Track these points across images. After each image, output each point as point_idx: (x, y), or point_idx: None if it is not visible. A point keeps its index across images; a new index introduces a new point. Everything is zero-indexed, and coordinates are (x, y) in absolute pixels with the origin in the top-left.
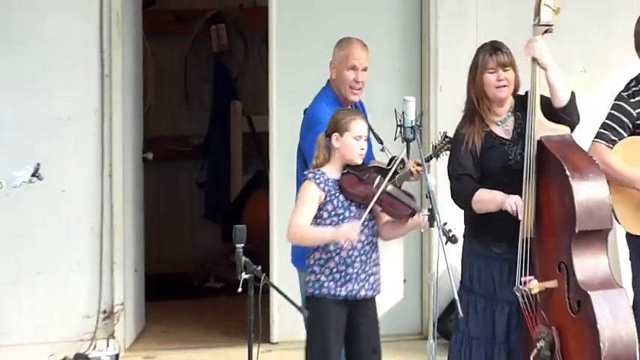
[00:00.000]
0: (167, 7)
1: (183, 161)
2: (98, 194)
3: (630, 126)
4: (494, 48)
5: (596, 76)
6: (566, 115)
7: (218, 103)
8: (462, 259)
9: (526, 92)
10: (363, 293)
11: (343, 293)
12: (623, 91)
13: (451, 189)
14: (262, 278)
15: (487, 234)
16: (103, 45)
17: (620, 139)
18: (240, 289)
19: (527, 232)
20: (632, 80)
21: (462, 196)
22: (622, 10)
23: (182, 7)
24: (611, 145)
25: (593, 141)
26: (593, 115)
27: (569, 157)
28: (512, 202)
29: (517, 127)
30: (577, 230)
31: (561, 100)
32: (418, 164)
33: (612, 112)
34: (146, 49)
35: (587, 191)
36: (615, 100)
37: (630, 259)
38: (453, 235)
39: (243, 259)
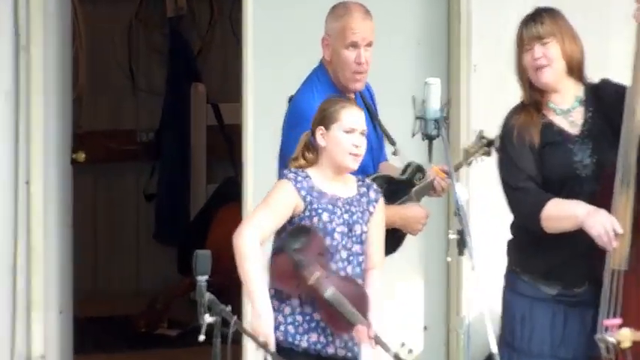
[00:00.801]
0: None
1: (128, 164)
2: (10, 208)
3: None
4: (529, 17)
5: None
6: None
7: (174, 87)
8: (503, 303)
9: (602, 80)
10: (331, 351)
11: (304, 344)
12: None
13: (510, 202)
14: (233, 322)
15: (536, 266)
16: (18, 6)
17: None
18: (202, 337)
19: (619, 262)
20: None
21: (525, 210)
22: None
23: None
24: None
25: None
26: None
27: None
28: (601, 224)
29: (588, 121)
30: None
31: None
32: (445, 173)
33: None
34: (77, 13)
35: None
36: None
37: None
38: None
39: (207, 295)
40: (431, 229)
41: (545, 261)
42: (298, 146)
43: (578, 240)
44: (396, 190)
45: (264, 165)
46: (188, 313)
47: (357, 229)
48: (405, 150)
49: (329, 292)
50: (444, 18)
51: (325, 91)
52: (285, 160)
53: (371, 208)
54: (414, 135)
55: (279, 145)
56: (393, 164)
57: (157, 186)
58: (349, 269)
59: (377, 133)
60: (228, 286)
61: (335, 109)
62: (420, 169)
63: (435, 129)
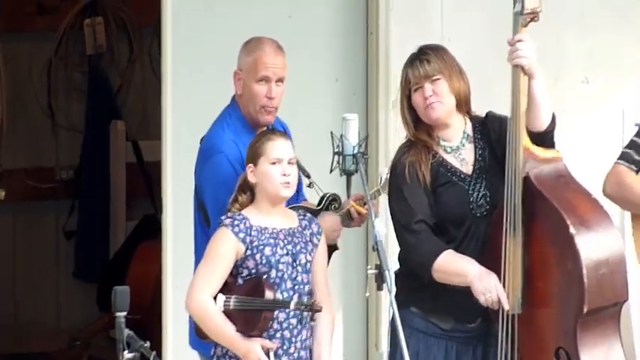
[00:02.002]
0: None
1: (47, 202)
2: None
3: None
4: (414, 56)
5: (602, 88)
6: (544, 142)
7: (93, 124)
8: (391, 335)
9: (487, 114)
10: None
11: None
12: None
13: (401, 243)
14: (152, 358)
15: (428, 302)
16: None
17: None
18: None
19: (512, 306)
20: None
21: (418, 259)
22: None
23: None
24: (635, 168)
25: (615, 162)
26: (598, 138)
27: (572, 204)
28: (486, 289)
29: (479, 159)
30: (586, 309)
31: (543, 121)
32: (362, 202)
33: None
34: None
35: (598, 253)
36: None
37: None
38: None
39: (126, 332)
40: (349, 264)
41: (439, 300)
42: (236, 189)
43: None
44: None
45: (183, 202)
46: (108, 349)
47: (302, 258)
48: (324, 186)
49: (232, 301)
50: (362, 55)
51: (236, 125)
52: (199, 198)
53: (315, 240)
54: (332, 171)
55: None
56: (312, 202)
57: (76, 223)
58: (295, 298)
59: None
60: (148, 323)
61: (260, 143)
62: (335, 199)
63: (353, 164)
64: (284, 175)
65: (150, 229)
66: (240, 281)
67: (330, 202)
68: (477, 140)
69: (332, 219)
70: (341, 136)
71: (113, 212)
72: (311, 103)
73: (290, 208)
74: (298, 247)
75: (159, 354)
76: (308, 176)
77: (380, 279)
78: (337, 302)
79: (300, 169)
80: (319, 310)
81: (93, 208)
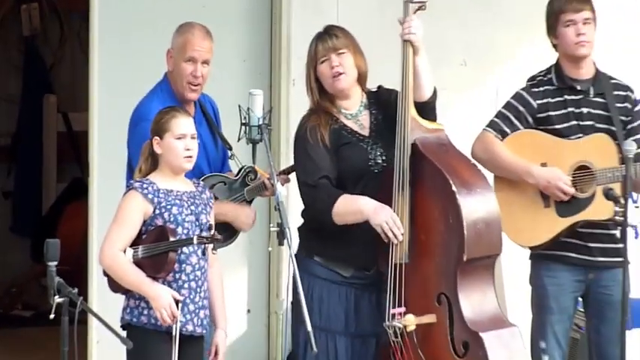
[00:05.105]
0: None
1: None
2: None
3: (528, 118)
4: (323, 32)
5: (479, 70)
6: (425, 112)
7: (29, 97)
8: (293, 286)
9: (379, 87)
10: (190, 328)
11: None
12: (528, 80)
13: (304, 200)
14: (79, 303)
15: (329, 250)
16: None
17: (513, 131)
18: (52, 316)
19: (400, 256)
20: (544, 70)
21: (319, 207)
22: None
23: None
24: (500, 136)
25: (483, 129)
26: (474, 116)
27: (454, 167)
28: (384, 220)
29: (374, 124)
30: (465, 258)
31: (426, 92)
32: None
33: (510, 100)
34: None
35: (477, 210)
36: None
37: (532, 282)
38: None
39: (57, 279)
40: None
41: (340, 250)
42: (141, 157)
43: (372, 229)
44: (229, 189)
45: (107, 167)
46: (40, 296)
47: (203, 218)
48: (236, 153)
49: (140, 250)
50: (267, 38)
51: (165, 98)
52: (131, 158)
53: (210, 204)
54: (239, 139)
55: (121, 149)
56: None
57: (13, 185)
58: (199, 252)
59: (216, 142)
60: (75, 272)
61: (165, 119)
62: (252, 171)
63: (258, 134)
64: (187, 149)
65: (77, 191)
66: (144, 235)
67: (247, 174)
68: (371, 107)
69: (249, 211)
70: (247, 109)
71: (45, 175)
72: (223, 82)
73: (208, 177)
74: (199, 208)
75: (85, 299)
76: (230, 148)
77: (281, 235)
78: (243, 257)
79: (223, 141)
80: (219, 241)
81: (27, 172)
